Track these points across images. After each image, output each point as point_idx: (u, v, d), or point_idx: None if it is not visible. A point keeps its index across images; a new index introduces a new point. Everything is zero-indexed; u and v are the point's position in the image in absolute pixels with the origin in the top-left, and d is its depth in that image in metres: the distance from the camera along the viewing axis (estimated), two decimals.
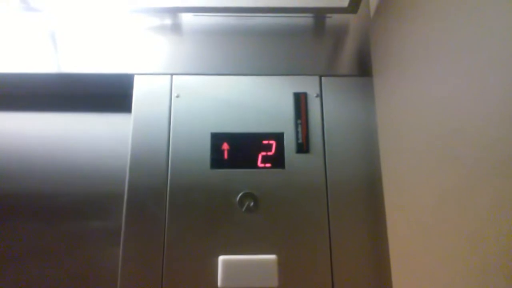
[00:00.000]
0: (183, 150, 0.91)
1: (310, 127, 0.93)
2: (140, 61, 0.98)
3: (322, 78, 0.97)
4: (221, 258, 0.83)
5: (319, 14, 1.02)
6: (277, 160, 0.91)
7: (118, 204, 0.91)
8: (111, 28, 1.01)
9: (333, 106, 0.95)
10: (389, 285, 0.82)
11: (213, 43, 1.00)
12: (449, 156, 0.59)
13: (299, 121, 0.93)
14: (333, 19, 1.03)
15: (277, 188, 0.89)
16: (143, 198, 0.87)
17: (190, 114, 0.93)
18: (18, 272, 0.95)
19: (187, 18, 1.03)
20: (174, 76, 0.96)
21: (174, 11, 1.01)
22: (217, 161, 0.90)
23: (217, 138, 0.92)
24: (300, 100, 0.95)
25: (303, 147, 0.91)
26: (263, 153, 0.91)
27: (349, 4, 0.98)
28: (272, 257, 0.83)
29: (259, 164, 0.90)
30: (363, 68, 0.98)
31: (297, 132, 0.92)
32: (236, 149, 0.91)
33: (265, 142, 0.92)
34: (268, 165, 0.90)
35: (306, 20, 1.03)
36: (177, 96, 0.95)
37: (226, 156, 0.91)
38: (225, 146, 0.91)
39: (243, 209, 0.87)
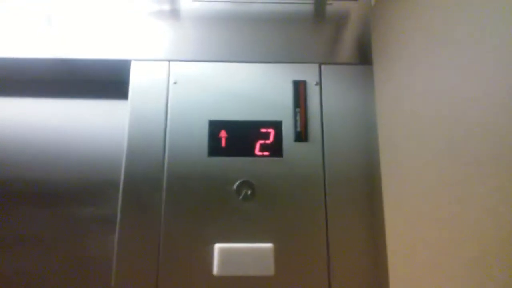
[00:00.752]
0: (180, 138, 0.90)
1: (309, 115, 0.92)
2: (137, 47, 0.97)
3: (322, 66, 0.96)
4: (217, 246, 0.83)
5: (320, 0, 1.01)
6: (275, 149, 0.90)
7: (114, 191, 0.90)
8: (107, 13, 0.99)
9: (332, 95, 0.94)
10: (386, 273, 0.82)
11: (212, 29, 0.98)
12: (449, 146, 0.58)
13: (297, 110, 0.92)
14: (333, 6, 1.01)
15: (275, 176, 0.88)
16: (139, 186, 0.87)
17: (187, 101, 0.92)
18: (13, 259, 0.95)
19: (186, 4, 1.01)
20: (171, 63, 0.95)
21: None
22: (214, 149, 0.89)
23: (215, 126, 0.91)
24: (299, 88, 0.94)
25: (301, 135, 0.90)
26: (261, 142, 0.90)
27: None
28: (269, 245, 0.83)
29: (257, 152, 0.90)
30: (364, 56, 0.97)
31: (295, 121, 0.91)
32: (234, 137, 0.90)
33: (263, 130, 0.91)
34: (266, 153, 0.90)
35: (306, 6, 1.01)
36: (175, 83, 0.93)
37: (224, 144, 0.90)
38: (223, 134, 0.91)
39: (240, 197, 0.87)
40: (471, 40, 0.53)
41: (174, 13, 1.00)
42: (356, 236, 0.86)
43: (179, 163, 0.88)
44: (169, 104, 0.92)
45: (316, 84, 0.94)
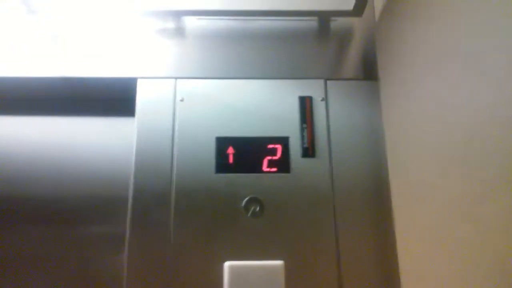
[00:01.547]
0: (187, 155, 0.90)
1: (316, 131, 0.92)
2: (143, 65, 0.97)
3: (328, 81, 0.97)
4: (227, 264, 0.82)
5: (324, 17, 1.02)
6: (283, 165, 0.90)
7: (122, 209, 0.89)
8: (114, 32, 1.00)
9: (338, 110, 0.95)
10: None
11: (217, 46, 0.99)
12: (458, 161, 0.58)
13: (304, 125, 0.92)
14: (338, 22, 1.03)
15: (283, 193, 0.88)
16: (148, 203, 0.87)
17: (194, 118, 0.93)
18: (21, 277, 0.94)
19: (191, 22, 1.02)
20: (178, 80, 0.96)
21: (178, 15, 1.00)
22: (222, 165, 0.90)
23: (222, 142, 0.91)
24: (305, 104, 0.94)
25: (308, 151, 0.91)
26: (269, 158, 0.90)
27: (354, 7, 0.97)
28: (279, 262, 0.83)
29: (265, 168, 0.90)
30: (369, 71, 0.98)
31: (302, 136, 0.92)
32: (241, 153, 0.91)
33: (270, 146, 0.91)
34: (273, 169, 0.90)
35: (311, 23, 1.02)
36: (181, 100, 0.94)
37: (231, 160, 0.90)
38: (230, 150, 0.91)
39: (249, 214, 0.87)
40: (478, 54, 0.54)
41: (180, 31, 1.01)
42: (366, 251, 0.85)
43: (187, 180, 0.88)
44: (176, 121, 0.92)
45: (322, 99, 0.95)
